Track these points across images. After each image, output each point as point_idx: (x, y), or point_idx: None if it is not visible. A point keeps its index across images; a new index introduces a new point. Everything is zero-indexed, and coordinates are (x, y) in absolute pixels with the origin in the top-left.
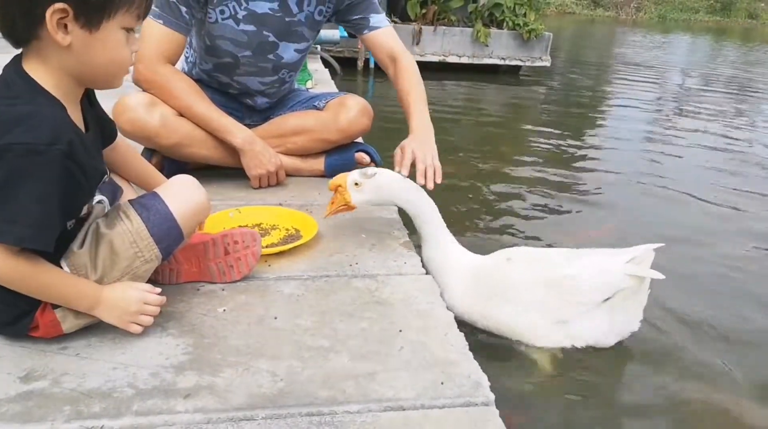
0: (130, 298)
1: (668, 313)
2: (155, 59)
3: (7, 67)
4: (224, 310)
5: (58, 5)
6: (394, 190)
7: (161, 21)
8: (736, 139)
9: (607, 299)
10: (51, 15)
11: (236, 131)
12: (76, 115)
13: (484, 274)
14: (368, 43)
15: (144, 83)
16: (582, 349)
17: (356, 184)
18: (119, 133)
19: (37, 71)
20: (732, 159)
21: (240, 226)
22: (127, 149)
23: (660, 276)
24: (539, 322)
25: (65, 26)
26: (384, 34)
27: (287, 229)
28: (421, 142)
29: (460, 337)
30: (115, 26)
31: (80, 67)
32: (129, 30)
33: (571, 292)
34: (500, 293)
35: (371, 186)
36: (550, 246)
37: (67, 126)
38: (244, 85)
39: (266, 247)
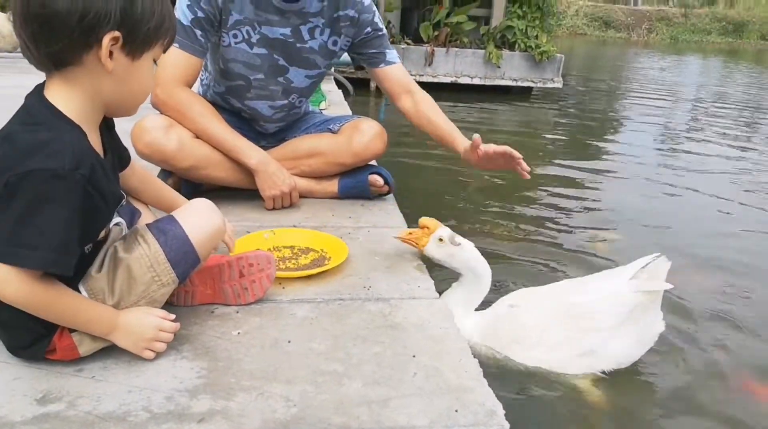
0: (145, 324)
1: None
2: (172, 82)
3: (29, 96)
4: (239, 333)
5: (115, 33)
6: (467, 261)
7: (177, 45)
8: (749, 162)
9: (626, 318)
10: (108, 41)
11: (251, 152)
12: (95, 140)
13: (492, 329)
14: (381, 76)
15: (161, 106)
16: (612, 371)
17: (441, 240)
18: (136, 158)
19: (60, 98)
20: (744, 181)
21: (274, 247)
22: (144, 174)
23: (669, 286)
24: (568, 356)
25: (110, 53)
26: (399, 69)
27: (318, 252)
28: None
29: (475, 363)
30: (149, 57)
31: (114, 93)
32: (155, 61)
33: (587, 320)
34: (518, 341)
35: (449, 251)
36: (560, 270)
37: (88, 152)
38: (255, 110)
39: (295, 269)
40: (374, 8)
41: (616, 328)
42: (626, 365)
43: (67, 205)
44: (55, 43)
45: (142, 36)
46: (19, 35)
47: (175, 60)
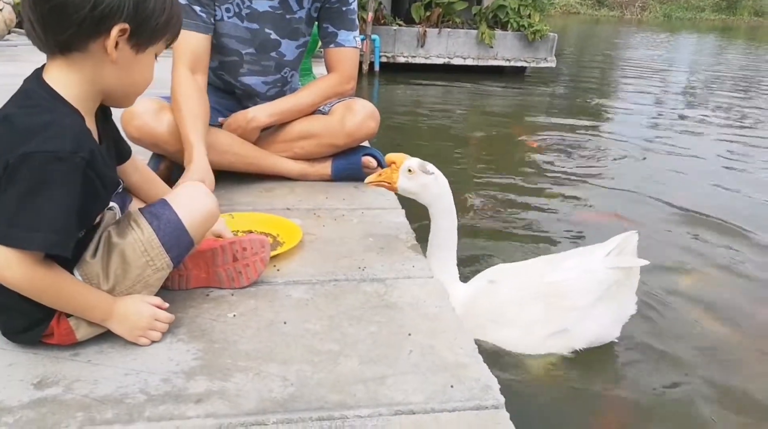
0: (141, 313)
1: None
2: (176, 65)
3: (27, 80)
4: (234, 315)
5: (123, 24)
6: (441, 196)
7: None
8: (744, 139)
9: (600, 296)
10: (116, 32)
11: (192, 154)
12: (91, 127)
13: (471, 303)
14: (326, 57)
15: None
16: (587, 349)
17: (410, 171)
18: (140, 159)
19: (60, 82)
20: (738, 159)
21: (233, 232)
22: (147, 171)
23: (644, 262)
24: (541, 336)
25: (116, 43)
26: (347, 53)
27: (273, 237)
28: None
29: (469, 340)
30: (152, 51)
31: (114, 82)
32: (156, 55)
33: (563, 298)
34: (494, 318)
35: (423, 181)
36: (550, 241)
37: (87, 135)
38: (248, 86)
39: None
40: None
41: (590, 306)
42: (599, 344)
43: (66, 188)
44: (63, 29)
45: (150, 31)
46: (27, 16)
47: (180, 42)
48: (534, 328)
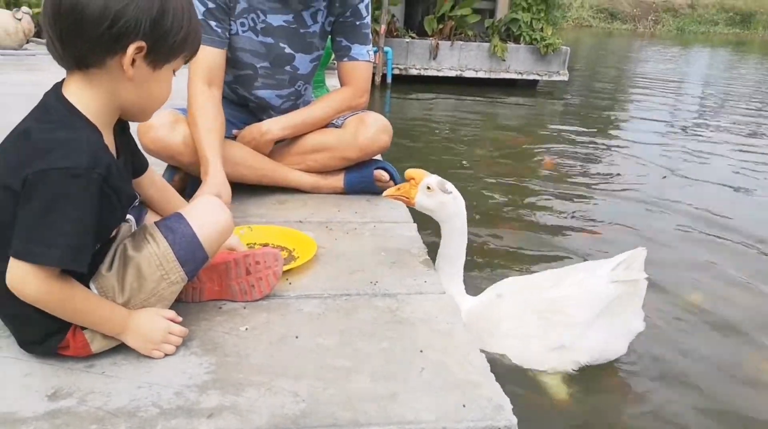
0: (155, 327)
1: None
2: (193, 80)
3: (47, 94)
4: (246, 329)
5: (140, 43)
6: (457, 215)
7: None
8: (757, 156)
9: (602, 312)
10: (133, 50)
11: (209, 170)
12: (109, 141)
13: (477, 316)
14: (340, 70)
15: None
16: (594, 365)
17: (429, 188)
18: (156, 172)
19: (79, 97)
20: (754, 176)
21: (248, 245)
22: (163, 184)
23: (644, 276)
24: (540, 350)
25: (133, 60)
26: (360, 67)
27: (289, 251)
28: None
29: (482, 358)
30: (170, 68)
31: (131, 98)
32: (174, 71)
33: (561, 314)
34: (497, 330)
35: (441, 199)
36: (563, 255)
37: (104, 151)
38: (262, 100)
39: None
40: None
41: (591, 321)
42: (603, 361)
43: (83, 204)
44: (81, 45)
45: (167, 48)
46: (47, 32)
47: (196, 56)
48: (532, 342)
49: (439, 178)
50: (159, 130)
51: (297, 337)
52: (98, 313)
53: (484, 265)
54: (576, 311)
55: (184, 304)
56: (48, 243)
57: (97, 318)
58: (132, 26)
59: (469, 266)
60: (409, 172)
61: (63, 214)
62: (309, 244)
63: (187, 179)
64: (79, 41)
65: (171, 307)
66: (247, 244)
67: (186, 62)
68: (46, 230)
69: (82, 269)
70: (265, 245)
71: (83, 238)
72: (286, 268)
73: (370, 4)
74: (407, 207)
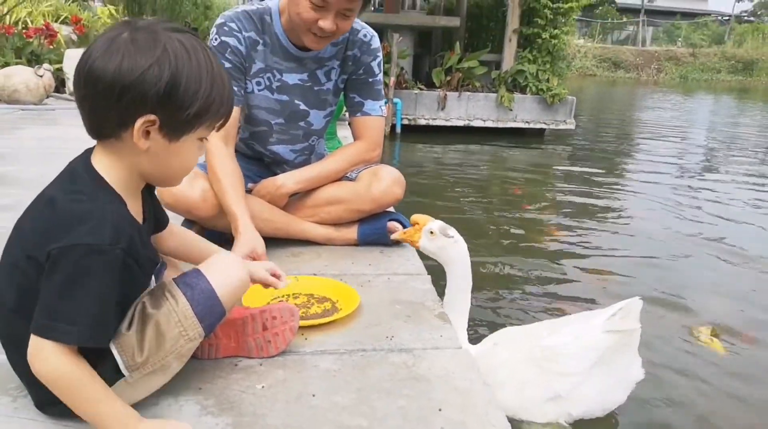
0: None
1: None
2: (209, 137)
3: (75, 160)
4: (263, 387)
5: (150, 116)
6: (459, 259)
7: None
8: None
9: (597, 362)
10: (141, 124)
11: (239, 223)
12: (136, 207)
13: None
14: (353, 125)
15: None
16: (593, 418)
17: (432, 232)
18: (174, 223)
19: (105, 165)
20: (762, 223)
21: (293, 294)
22: (183, 234)
23: (638, 326)
24: (534, 400)
25: (147, 132)
26: (372, 121)
27: (332, 302)
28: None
29: (501, 415)
30: (193, 137)
31: (152, 169)
32: (203, 139)
33: (555, 363)
34: (494, 380)
35: (442, 243)
36: (563, 305)
37: (127, 222)
38: (277, 154)
39: (302, 318)
40: (378, 54)
41: (585, 372)
42: (600, 413)
43: (105, 279)
44: (95, 116)
45: (181, 121)
46: (75, 96)
47: None
48: (527, 392)
49: (442, 223)
50: (179, 186)
51: (313, 396)
52: (107, 406)
53: (488, 311)
54: (570, 361)
55: (199, 361)
56: (68, 320)
57: (104, 411)
58: (138, 100)
59: (473, 312)
60: (415, 217)
61: (84, 291)
62: (352, 295)
63: (203, 232)
64: (94, 112)
65: (187, 364)
66: (292, 294)
67: (218, 130)
68: (67, 307)
69: (103, 345)
70: (310, 295)
71: (104, 315)
72: (328, 319)
73: (382, 61)
74: (421, 260)
